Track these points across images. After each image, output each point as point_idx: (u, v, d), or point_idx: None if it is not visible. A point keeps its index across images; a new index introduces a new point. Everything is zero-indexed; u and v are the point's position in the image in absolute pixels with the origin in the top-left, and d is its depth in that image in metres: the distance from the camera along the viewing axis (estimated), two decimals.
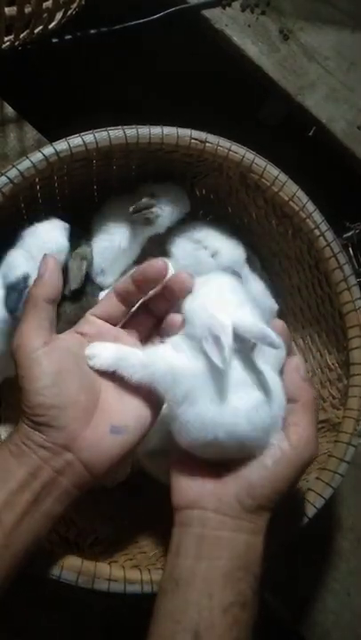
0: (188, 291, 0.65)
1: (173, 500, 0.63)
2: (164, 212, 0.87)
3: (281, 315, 1.00)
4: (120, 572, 0.68)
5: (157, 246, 0.92)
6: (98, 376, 0.64)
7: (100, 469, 0.61)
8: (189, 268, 0.86)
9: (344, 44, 1.11)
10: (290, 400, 0.63)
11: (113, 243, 0.87)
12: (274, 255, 0.96)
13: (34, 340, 0.61)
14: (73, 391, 0.61)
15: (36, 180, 0.76)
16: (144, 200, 0.85)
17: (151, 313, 0.69)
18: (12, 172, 0.72)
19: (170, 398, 0.61)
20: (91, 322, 0.67)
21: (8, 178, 0.72)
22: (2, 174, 0.72)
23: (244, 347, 0.61)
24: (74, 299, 0.83)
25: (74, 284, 0.83)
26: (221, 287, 0.64)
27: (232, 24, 1.08)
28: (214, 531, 0.60)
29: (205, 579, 0.58)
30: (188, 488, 0.62)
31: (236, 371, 0.60)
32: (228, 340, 0.57)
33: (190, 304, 0.63)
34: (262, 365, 0.62)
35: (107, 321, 0.68)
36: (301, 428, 0.62)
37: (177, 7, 1.07)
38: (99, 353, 0.64)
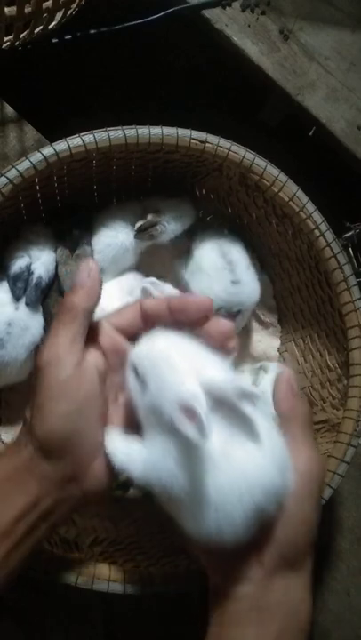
0: (226, 338, 0.58)
1: (212, 579, 0.58)
2: (169, 228, 0.88)
3: (281, 315, 1.00)
4: (120, 573, 0.68)
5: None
6: (107, 396, 0.60)
7: (102, 496, 0.58)
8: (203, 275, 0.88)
9: (344, 44, 1.11)
10: (284, 419, 0.58)
11: (116, 240, 0.87)
12: (274, 255, 0.96)
13: (67, 359, 0.56)
14: (94, 419, 0.56)
15: (36, 180, 0.76)
16: (149, 218, 0.86)
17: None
18: (12, 173, 0.72)
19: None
20: (107, 333, 0.61)
21: (8, 178, 0.72)
22: (1, 175, 0.72)
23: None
24: None
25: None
26: (172, 341, 0.56)
27: (232, 24, 1.07)
28: (265, 597, 0.54)
29: None
30: (225, 565, 0.55)
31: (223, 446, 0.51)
32: (202, 408, 0.48)
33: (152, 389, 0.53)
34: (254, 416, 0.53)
35: (123, 333, 0.61)
36: (305, 451, 0.56)
37: (177, 7, 1.07)
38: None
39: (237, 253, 0.91)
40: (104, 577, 0.68)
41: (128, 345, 0.60)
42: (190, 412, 0.48)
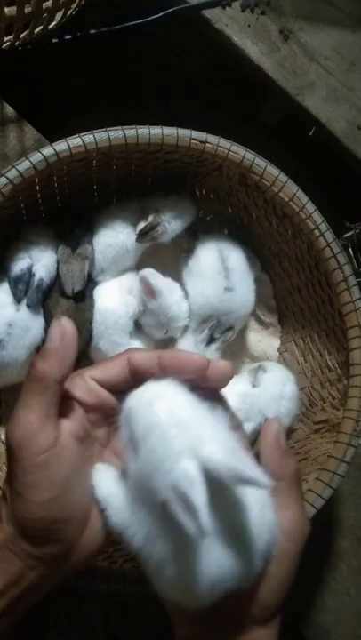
0: (225, 384, 0.54)
1: (177, 630, 0.55)
2: (170, 228, 0.88)
3: (281, 315, 1.00)
4: (119, 573, 0.68)
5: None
6: (91, 455, 0.56)
7: (87, 564, 0.55)
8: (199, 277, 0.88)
9: (344, 44, 1.11)
10: (271, 477, 0.50)
11: (117, 240, 0.87)
12: (274, 255, 0.96)
13: (42, 438, 0.50)
14: (79, 497, 0.52)
15: (36, 180, 0.76)
16: (150, 220, 0.86)
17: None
18: (12, 173, 0.72)
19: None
20: (91, 389, 0.55)
21: (8, 178, 0.72)
22: (1, 175, 0.72)
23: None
24: (72, 298, 0.83)
25: (77, 285, 0.83)
26: (169, 406, 0.49)
27: (232, 24, 1.07)
28: None
29: None
30: (192, 622, 0.53)
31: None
32: (200, 499, 0.43)
33: (140, 456, 0.48)
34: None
35: (107, 387, 0.55)
36: (291, 511, 0.54)
37: (177, 7, 1.07)
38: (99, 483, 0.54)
39: (236, 260, 0.90)
40: (104, 577, 0.68)
41: (113, 400, 0.55)
42: (185, 500, 0.44)
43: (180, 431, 0.47)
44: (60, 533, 0.50)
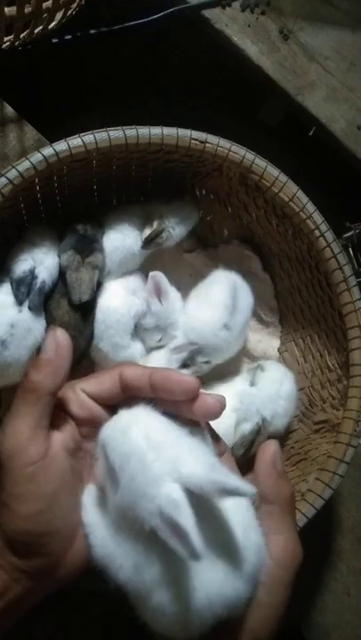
0: (210, 419, 0.53)
1: None
2: (174, 233, 0.88)
3: (281, 315, 1.00)
4: None
5: None
6: (81, 467, 0.55)
7: (74, 580, 0.53)
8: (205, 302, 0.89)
9: (344, 44, 1.11)
10: (265, 500, 0.53)
11: (124, 244, 0.87)
12: (274, 256, 0.96)
13: (32, 449, 0.50)
14: (67, 511, 0.51)
15: (36, 180, 0.76)
16: (154, 227, 0.86)
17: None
18: (12, 173, 0.72)
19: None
20: (82, 403, 0.55)
21: (7, 179, 0.71)
22: (1, 175, 0.72)
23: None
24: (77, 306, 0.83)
25: (85, 295, 0.82)
26: (144, 431, 0.49)
27: (232, 24, 1.07)
28: None
29: None
30: None
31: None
32: (188, 522, 0.43)
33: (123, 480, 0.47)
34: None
35: (99, 401, 0.55)
36: (283, 537, 0.53)
37: (177, 7, 1.07)
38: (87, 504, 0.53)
39: (245, 304, 0.91)
40: (103, 577, 0.68)
41: (104, 414, 0.55)
42: (174, 525, 0.43)
43: (157, 454, 0.46)
44: (47, 547, 0.50)
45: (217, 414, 0.52)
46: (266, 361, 0.95)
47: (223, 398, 0.53)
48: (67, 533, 0.51)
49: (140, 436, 0.48)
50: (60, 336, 0.53)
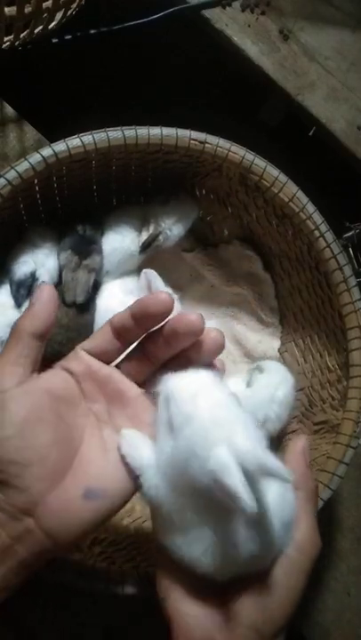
0: (196, 336, 0.55)
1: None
2: (172, 234, 0.88)
3: (281, 315, 1.00)
4: (118, 573, 0.68)
5: None
6: (81, 425, 0.56)
7: (66, 539, 0.51)
8: None
9: (344, 44, 1.11)
10: (293, 486, 0.55)
11: (122, 244, 0.87)
12: (274, 256, 0.96)
13: (4, 380, 0.52)
14: (43, 445, 0.51)
15: (35, 181, 0.76)
16: (151, 231, 0.86)
17: (148, 357, 0.58)
18: (11, 174, 0.72)
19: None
20: (80, 358, 0.57)
21: (6, 180, 0.71)
22: (0, 176, 0.72)
23: None
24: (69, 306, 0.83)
25: (80, 297, 0.82)
26: (211, 402, 0.52)
27: (232, 24, 1.07)
28: None
29: None
30: (195, 624, 0.51)
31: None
32: (239, 480, 0.45)
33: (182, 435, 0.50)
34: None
35: (99, 357, 0.58)
36: (304, 524, 0.54)
37: (177, 7, 1.07)
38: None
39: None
40: (102, 578, 0.68)
41: (106, 368, 0.57)
42: (225, 485, 0.46)
43: (216, 426, 0.49)
44: (21, 479, 0.50)
45: (199, 328, 0.54)
46: (266, 361, 0.94)
47: (200, 315, 0.55)
48: (43, 471, 0.51)
49: (207, 406, 0.51)
50: (45, 287, 0.57)
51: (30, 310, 0.56)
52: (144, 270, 0.86)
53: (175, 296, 0.89)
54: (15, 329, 0.55)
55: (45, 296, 0.56)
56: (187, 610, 0.52)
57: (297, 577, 0.52)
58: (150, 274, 0.83)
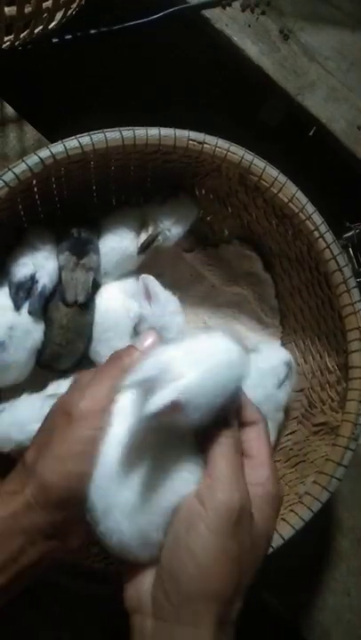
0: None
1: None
2: (171, 234, 0.88)
3: (282, 316, 1.00)
4: (116, 574, 0.68)
5: None
6: None
7: (79, 552, 0.57)
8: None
9: (344, 44, 1.11)
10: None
11: (121, 245, 0.87)
12: (275, 256, 0.96)
13: (104, 414, 0.54)
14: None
15: (34, 182, 0.76)
16: (150, 232, 0.86)
17: None
18: (8, 175, 0.72)
19: None
20: None
21: (4, 181, 0.71)
22: None
23: None
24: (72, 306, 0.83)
25: (80, 296, 0.82)
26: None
27: (232, 24, 1.07)
28: None
29: None
30: (132, 589, 0.53)
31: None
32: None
33: None
34: None
35: None
36: (227, 489, 0.51)
37: (177, 7, 1.07)
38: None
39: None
40: (100, 578, 0.68)
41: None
42: None
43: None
44: (69, 509, 0.53)
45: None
46: (263, 348, 0.93)
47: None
48: (85, 501, 0.53)
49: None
50: (154, 336, 0.59)
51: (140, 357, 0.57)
52: (142, 276, 0.87)
53: (171, 297, 0.90)
54: (121, 366, 0.57)
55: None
56: (131, 580, 0.54)
57: (227, 540, 0.50)
58: (147, 280, 0.83)
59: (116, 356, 0.58)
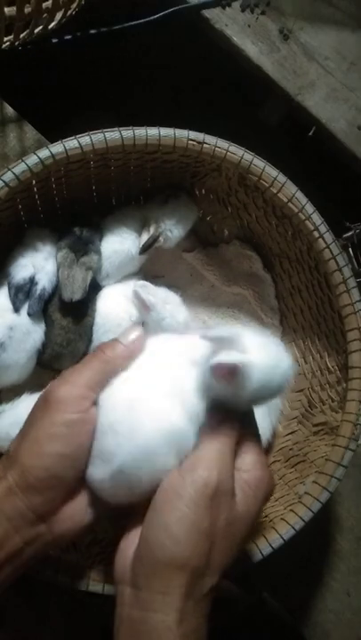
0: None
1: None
2: (173, 235, 0.88)
3: (282, 316, 1.00)
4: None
5: None
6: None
7: (68, 541, 0.60)
8: None
9: (344, 44, 1.11)
10: None
11: (122, 247, 0.87)
12: (274, 256, 0.96)
13: (82, 402, 0.57)
14: (79, 467, 0.57)
15: (33, 182, 0.76)
16: (151, 233, 0.86)
17: None
18: (8, 176, 0.72)
19: None
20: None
21: (3, 181, 0.72)
22: None
23: None
24: (70, 306, 0.83)
25: (76, 294, 0.82)
26: None
27: (232, 24, 1.07)
28: (130, 610, 0.53)
29: None
30: (119, 561, 0.56)
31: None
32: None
33: None
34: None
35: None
36: (206, 465, 0.54)
37: (177, 7, 1.06)
38: None
39: None
40: (100, 579, 0.68)
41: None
42: None
43: None
44: (53, 490, 0.55)
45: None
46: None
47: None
48: (71, 487, 0.57)
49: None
50: (139, 330, 0.62)
51: (125, 351, 0.60)
52: (133, 290, 0.86)
53: (171, 298, 0.89)
54: (103, 358, 0.60)
55: (139, 344, 0.61)
56: (119, 549, 0.57)
57: (179, 506, 0.52)
58: (139, 292, 0.83)
59: (100, 349, 0.61)
